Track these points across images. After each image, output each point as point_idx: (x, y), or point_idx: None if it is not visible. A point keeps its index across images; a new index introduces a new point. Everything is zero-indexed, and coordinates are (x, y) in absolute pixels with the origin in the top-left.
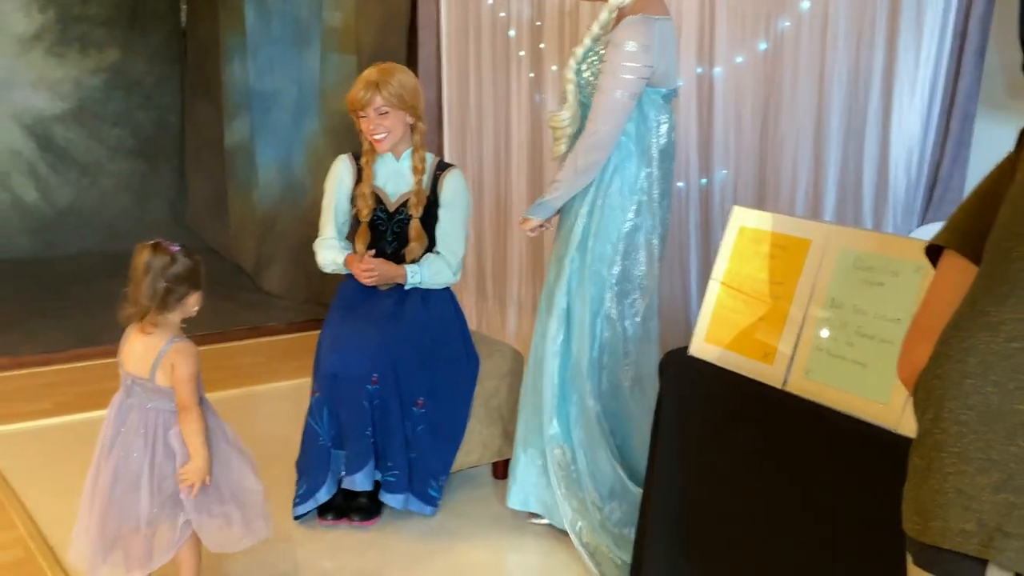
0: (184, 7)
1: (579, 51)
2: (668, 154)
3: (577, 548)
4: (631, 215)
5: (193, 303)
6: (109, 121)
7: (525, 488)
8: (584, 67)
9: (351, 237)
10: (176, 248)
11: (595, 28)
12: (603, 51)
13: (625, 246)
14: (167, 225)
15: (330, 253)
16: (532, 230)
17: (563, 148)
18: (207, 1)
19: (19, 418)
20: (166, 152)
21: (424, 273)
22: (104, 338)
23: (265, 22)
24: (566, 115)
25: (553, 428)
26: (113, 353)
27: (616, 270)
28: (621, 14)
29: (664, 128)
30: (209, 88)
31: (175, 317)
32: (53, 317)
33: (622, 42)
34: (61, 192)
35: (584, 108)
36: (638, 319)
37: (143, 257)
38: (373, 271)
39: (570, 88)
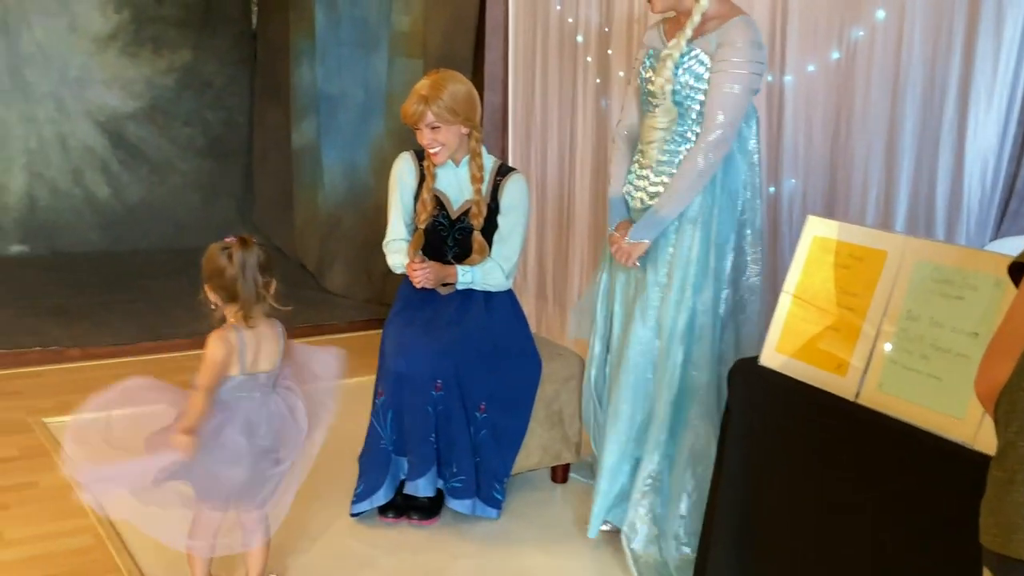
0: (255, 10)
1: (675, 54)
2: (758, 152)
3: (629, 566)
4: (739, 215)
5: (272, 288)
6: (180, 120)
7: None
8: (681, 71)
9: (414, 244)
10: (255, 240)
11: (688, 31)
12: (699, 53)
13: (736, 249)
14: (233, 223)
15: (397, 257)
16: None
17: (654, 153)
18: (278, 4)
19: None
20: (234, 152)
21: (476, 273)
22: (170, 332)
23: (334, 25)
24: (664, 119)
25: (659, 442)
26: (180, 347)
27: (731, 275)
28: (705, 17)
29: (755, 127)
30: (278, 90)
31: (262, 308)
32: (121, 310)
33: (737, 40)
34: (132, 189)
35: (681, 110)
36: (749, 325)
37: (239, 255)
38: (427, 273)
39: (667, 89)
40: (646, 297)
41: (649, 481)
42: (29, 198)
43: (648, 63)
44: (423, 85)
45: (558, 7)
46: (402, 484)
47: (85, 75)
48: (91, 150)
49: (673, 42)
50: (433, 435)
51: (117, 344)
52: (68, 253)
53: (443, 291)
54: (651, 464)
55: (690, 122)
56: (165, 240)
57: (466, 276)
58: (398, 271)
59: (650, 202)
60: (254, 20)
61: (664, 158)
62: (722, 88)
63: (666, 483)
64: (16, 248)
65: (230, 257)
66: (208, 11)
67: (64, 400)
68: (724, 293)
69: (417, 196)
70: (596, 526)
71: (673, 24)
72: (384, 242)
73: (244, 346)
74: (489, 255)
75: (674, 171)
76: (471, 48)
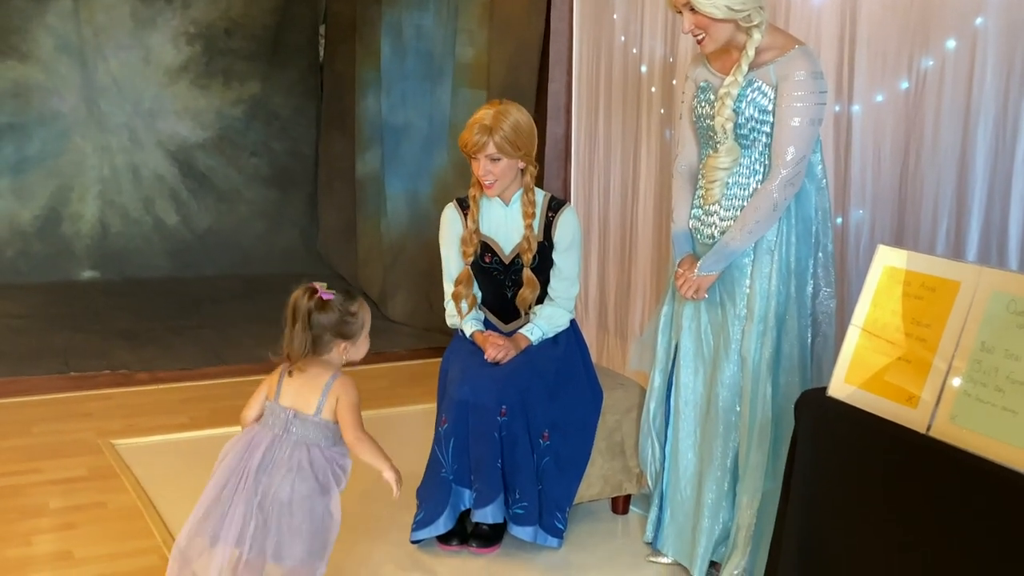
0: (322, 42)
1: (735, 91)
2: (824, 177)
3: None
4: (813, 242)
5: (343, 351)
6: (247, 150)
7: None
8: (744, 104)
9: (460, 282)
10: (329, 296)
11: (744, 66)
12: (760, 85)
13: (814, 278)
14: (298, 251)
15: (454, 320)
16: (697, 291)
17: (717, 192)
18: (345, 37)
19: (157, 431)
20: (299, 181)
21: (543, 327)
22: (235, 357)
23: (400, 58)
24: (727, 159)
25: (756, 478)
26: (244, 372)
27: (812, 304)
28: (760, 49)
29: (819, 153)
30: (343, 120)
31: (327, 360)
32: (188, 336)
33: (799, 72)
34: (200, 217)
35: (746, 143)
36: (827, 350)
37: (293, 299)
38: (508, 351)
39: (729, 128)
40: (728, 333)
41: (753, 520)
42: (101, 225)
43: (702, 97)
44: (486, 115)
45: (622, 38)
46: (462, 515)
47: (157, 106)
48: (161, 179)
49: (730, 79)
50: (499, 461)
51: (183, 368)
52: (137, 279)
53: (505, 328)
54: (752, 504)
55: (757, 154)
56: (231, 267)
57: (535, 334)
58: (453, 326)
59: (719, 235)
60: (321, 53)
61: (731, 192)
62: (790, 123)
63: (765, 519)
64: (88, 273)
65: (292, 299)
66: (277, 44)
67: (132, 423)
68: (807, 320)
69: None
70: (703, 568)
71: (720, 55)
72: (446, 298)
73: (282, 378)
74: (538, 288)
75: (742, 203)
76: (535, 79)
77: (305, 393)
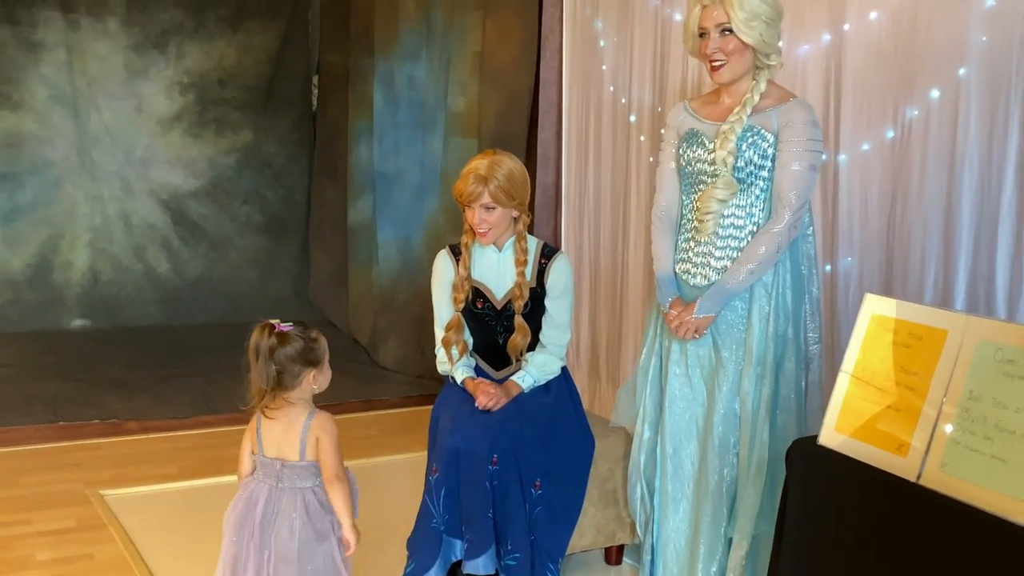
0: (315, 92)
1: (737, 128)
2: (811, 225)
3: None
4: (803, 286)
5: (312, 380)
6: (239, 198)
7: None
8: (744, 146)
9: (451, 327)
10: (287, 328)
11: (748, 108)
12: (760, 130)
13: (808, 317)
14: (289, 298)
15: (444, 366)
16: (698, 331)
17: (711, 225)
18: (337, 87)
19: (146, 480)
20: (291, 229)
21: (535, 374)
22: (227, 406)
23: (392, 107)
24: (724, 191)
25: (749, 519)
26: (235, 421)
27: (803, 345)
28: (760, 96)
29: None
30: (335, 169)
31: (297, 395)
32: (179, 384)
33: (798, 120)
34: (191, 264)
35: (743, 186)
36: (813, 395)
37: (253, 340)
38: (499, 399)
39: (730, 162)
40: (722, 377)
41: (744, 563)
42: (92, 273)
43: (691, 142)
44: (480, 164)
45: (611, 88)
46: (453, 566)
47: (149, 155)
48: (153, 227)
49: (735, 116)
50: (491, 511)
51: (174, 417)
52: (128, 327)
53: (496, 375)
54: (744, 545)
55: (753, 198)
56: (222, 315)
57: (527, 381)
58: (444, 372)
59: (715, 277)
60: (314, 102)
61: (726, 232)
62: (791, 167)
63: (758, 564)
64: (78, 322)
65: (251, 339)
66: (270, 94)
67: (121, 472)
68: (803, 363)
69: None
70: None
71: (708, 104)
72: (437, 344)
73: (259, 429)
74: (529, 335)
75: (738, 244)
76: (525, 128)
77: (286, 441)
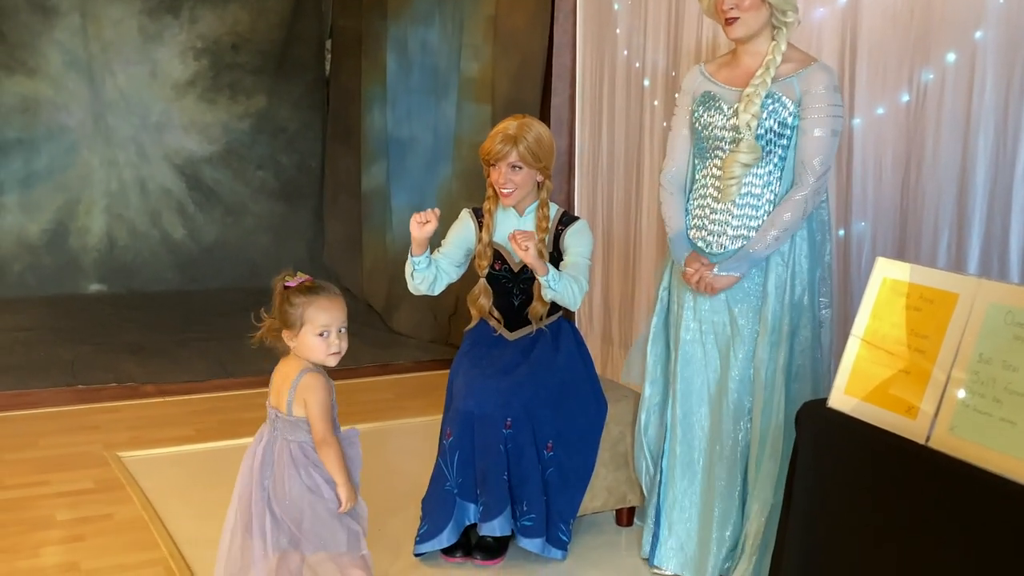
0: (328, 57)
1: (762, 90)
2: (826, 191)
3: None
4: (818, 253)
5: (290, 339)
6: (254, 164)
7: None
8: (765, 114)
9: (479, 293)
10: (293, 283)
11: (772, 71)
12: (781, 97)
13: (820, 282)
14: (303, 263)
15: (412, 281)
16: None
17: (734, 191)
18: (351, 52)
19: (164, 443)
20: (306, 194)
21: (560, 284)
22: (242, 370)
23: (405, 72)
24: (748, 155)
25: (766, 488)
26: (251, 384)
27: (817, 311)
28: (782, 59)
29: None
30: (349, 134)
31: (297, 352)
32: (195, 348)
33: (821, 86)
34: (207, 230)
35: (763, 152)
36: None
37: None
38: (530, 241)
39: (753, 125)
40: (737, 343)
41: (763, 530)
42: (108, 238)
43: (707, 106)
44: (510, 125)
45: (625, 52)
46: (466, 528)
47: (164, 120)
48: (168, 192)
49: (758, 79)
50: (506, 473)
51: (190, 380)
52: (144, 292)
53: (511, 336)
54: (764, 512)
55: (772, 167)
56: (238, 280)
57: (552, 272)
58: (409, 279)
59: (731, 245)
60: (327, 67)
61: (743, 201)
62: (815, 133)
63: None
64: (95, 287)
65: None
66: (283, 59)
67: (139, 435)
68: (817, 330)
69: (475, 253)
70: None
71: (724, 66)
72: (407, 265)
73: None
74: (549, 303)
75: (755, 213)
76: (538, 93)
77: (279, 391)
